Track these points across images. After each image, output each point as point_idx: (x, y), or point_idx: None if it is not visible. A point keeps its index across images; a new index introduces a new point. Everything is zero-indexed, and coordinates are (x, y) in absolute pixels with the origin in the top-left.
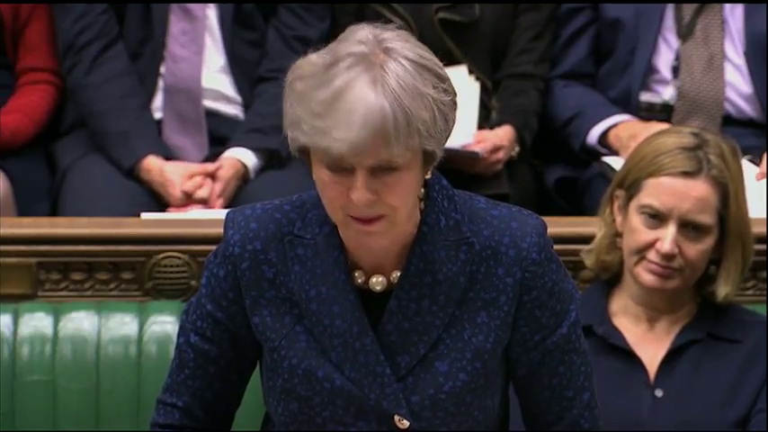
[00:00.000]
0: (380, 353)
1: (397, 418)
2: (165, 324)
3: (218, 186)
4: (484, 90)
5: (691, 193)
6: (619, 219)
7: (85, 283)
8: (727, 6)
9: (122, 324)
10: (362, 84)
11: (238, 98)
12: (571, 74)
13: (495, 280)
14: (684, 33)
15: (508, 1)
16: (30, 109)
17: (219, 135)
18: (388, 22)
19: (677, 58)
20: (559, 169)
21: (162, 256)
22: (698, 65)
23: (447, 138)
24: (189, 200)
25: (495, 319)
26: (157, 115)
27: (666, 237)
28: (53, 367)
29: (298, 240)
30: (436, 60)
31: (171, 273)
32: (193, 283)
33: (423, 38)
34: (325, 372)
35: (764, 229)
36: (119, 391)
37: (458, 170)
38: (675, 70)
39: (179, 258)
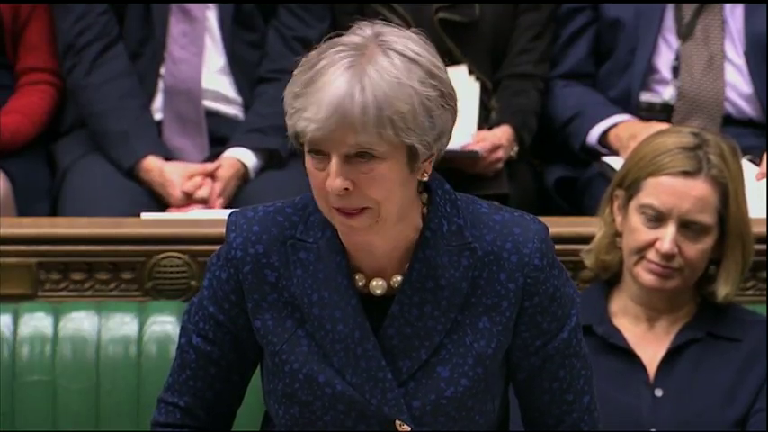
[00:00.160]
0: (382, 358)
1: (398, 422)
2: (165, 324)
3: (217, 186)
4: (484, 90)
5: (691, 193)
6: (618, 218)
7: (85, 283)
8: (727, 6)
9: (122, 324)
10: (339, 68)
11: (239, 99)
12: (571, 74)
13: (497, 285)
14: (684, 33)
15: (508, 1)
16: (29, 110)
17: (219, 135)
18: (388, 21)
19: (677, 58)
20: (559, 169)
21: (162, 256)
22: (698, 65)
23: (437, 136)
24: (189, 200)
25: (496, 325)
26: (157, 116)
27: (666, 236)
28: (53, 367)
29: (300, 244)
30: (434, 60)
31: (171, 273)
32: (193, 283)
33: None
34: (326, 376)
35: (764, 229)
36: (119, 391)
37: (458, 171)
38: (675, 70)
39: (179, 258)
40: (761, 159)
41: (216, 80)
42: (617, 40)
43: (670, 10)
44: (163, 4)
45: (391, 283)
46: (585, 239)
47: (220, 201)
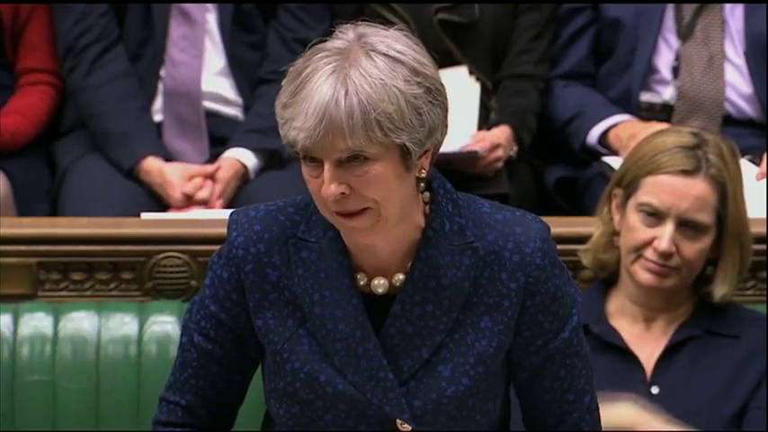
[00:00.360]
0: (383, 357)
1: (399, 422)
2: (165, 324)
3: (217, 188)
4: (484, 90)
5: (689, 192)
6: (616, 217)
7: (85, 283)
8: (727, 6)
9: (122, 324)
10: (323, 74)
11: (239, 100)
12: (571, 74)
13: (498, 285)
14: (684, 33)
15: (508, 1)
16: (29, 111)
17: (219, 136)
18: (388, 22)
19: (677, 58)
20: (559, 169)
21: (162, 256)
22: (698, 65)
23: (428, 132)
24: (189, 201)
25: (498, 324)
26: (157, 118)
27: (664, 235)
28: (53, 367)
29: (302, 243)
30: (419, 57)
31: (171, 273)
32: (193, 283)
33: (422, 38)
34: (327, 376)
35: (764, 229)
36: (119, 391)
37: (458, 171)
38: (675, 70)
39: (179, 258)
40: (761, 159)
41: (216, 82)
42: (617, 40)
43: (670, 10)
44: (163, 5)
45: (393, 282)
46: (585, 239)
47: (220, 202)
